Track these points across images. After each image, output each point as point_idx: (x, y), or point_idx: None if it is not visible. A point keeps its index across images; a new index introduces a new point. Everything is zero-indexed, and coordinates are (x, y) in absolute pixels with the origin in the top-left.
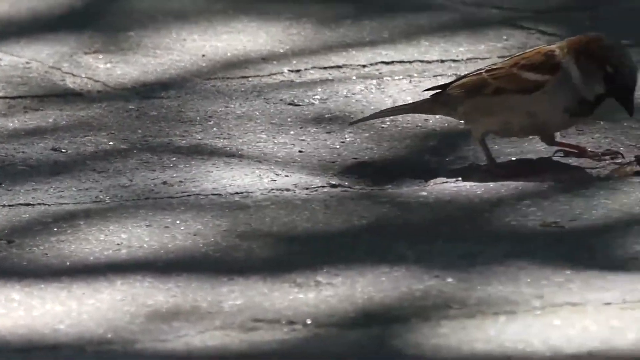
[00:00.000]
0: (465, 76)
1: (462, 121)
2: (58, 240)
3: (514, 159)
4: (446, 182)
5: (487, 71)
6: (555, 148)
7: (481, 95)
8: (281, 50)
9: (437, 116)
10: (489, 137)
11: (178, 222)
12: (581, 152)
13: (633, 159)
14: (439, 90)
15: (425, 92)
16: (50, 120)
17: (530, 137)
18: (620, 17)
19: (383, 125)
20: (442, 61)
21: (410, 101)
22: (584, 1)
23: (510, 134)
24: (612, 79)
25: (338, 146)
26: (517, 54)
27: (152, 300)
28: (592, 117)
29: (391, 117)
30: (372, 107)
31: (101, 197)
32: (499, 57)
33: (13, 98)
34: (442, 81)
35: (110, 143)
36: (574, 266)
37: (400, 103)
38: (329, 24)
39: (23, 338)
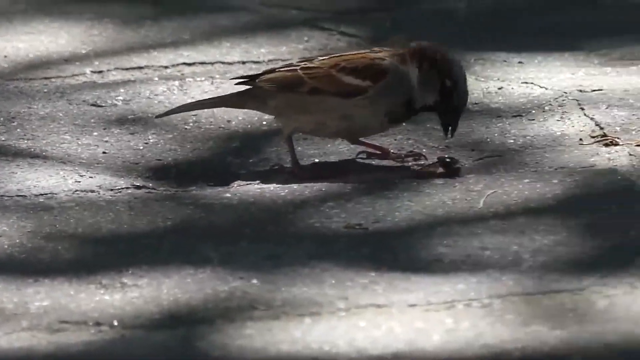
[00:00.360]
0: (275, 70)
1: (272, 116)
2: None
3: (317, 160)
4: (250, 183)
5: (302, 69)
6: (359, 149)
7: (295, 92)
8: (83, 51)
9: (245, 110)
10: (295, 138)
11: None
12: (384, 154)
13: (436, 160)
14: (248, 83)
15: (235, 84)
16: None
17: (338, 139)
18: (421, 19)
19: (186, 127)
20: (244, 62)
21: (213, 97)
22: (385, 3)
23: (323, 135)
24: (449, 94)
25: (142, 147)
26: (337, 54)
27: None
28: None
29: (194, 118)
30: None
31: None
32: (300, 58)
33: None
34: None
35: None
36: (378, 268)
37: None
38: (130, 24)
39: None
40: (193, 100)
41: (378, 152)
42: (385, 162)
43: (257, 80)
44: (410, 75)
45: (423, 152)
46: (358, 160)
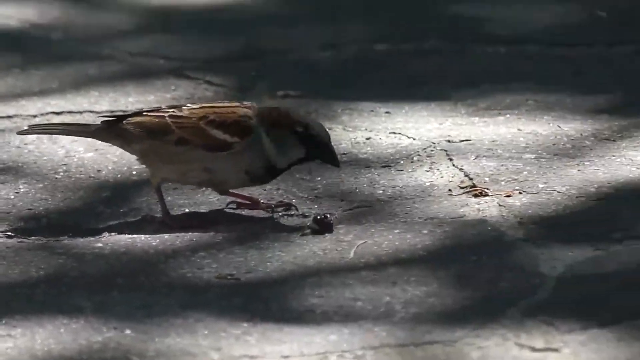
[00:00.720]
0: (143, 112)
1: (136, 157)
2: None
3: (187, 210)
4: (121, 233)
5: (170, 116)
6: (229, 199)
7: (162, 140)
8: None
9: (115, 160)
10: (166, 188)
11: None
12: (254, 204)
13: (312, 220)
14: (115, 123)
15: (102, 122)
16: None
17: (205, 189)
18: (287, 69)
19: (57, 176)
20: (112, 111)
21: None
22: (250, 52)
23: (187, 184)
24: (308, 139)
25: (12, 197)
26: (207, 105)
27: None
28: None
29: (65, 168)
30: (44, 158)
31: None
32: (168, 105)
33: None
34: None
35: None
36: (251, 318)
37: (73, 154)
38: None
39: None
40: (58, 123)
41: (248, 202)
42: (255, 213)
43: (124, 122)
44: (264, 141)
45: (293, 202)
46: (228, 210)
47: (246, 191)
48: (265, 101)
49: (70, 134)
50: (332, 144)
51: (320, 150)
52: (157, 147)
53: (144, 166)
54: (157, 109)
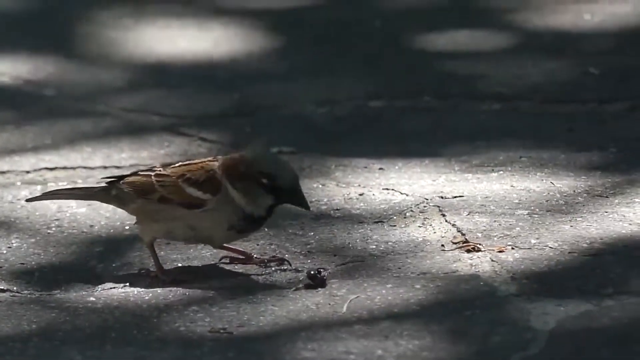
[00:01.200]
0: (138, 172)
1: (133, 217)
2: None
3: (180, 265)
4: (114, 287)
5: (156, 175)
6: (222, 254)
7: (147, 199)
8: None
9: (107, 215)
10: (158, 242)
11: None
12: (247, 259)
13: (305, 275)
14: (112, 181)
15: (105, 183)
16: None
17: (197, 245)
18: (281, 124)
19: (49, 231)
20: (105, 167)
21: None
22: (243, 108)
23: (176, 240)
24: (275, 189)
25: (5, 251)
26: (185, 162)
27: None
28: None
29: (57, 223)
30: (37, 213)
31: None
32: (161, 163)
33: None
34: None
35: None
36: None
37: (65, 209)
38: None
39: None
40: (64, 188)
41: (241, 256)
42: (248, 267)
43: (121, 182)
44: (231, 194)
45: (286, 257)
46: (220, 265)
47: (239, 245)
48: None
49: (77, 197)
50: (302, 187)
51: (288, 197)
52: (145, 206)
53: (138, 226)
54: (151, 168)
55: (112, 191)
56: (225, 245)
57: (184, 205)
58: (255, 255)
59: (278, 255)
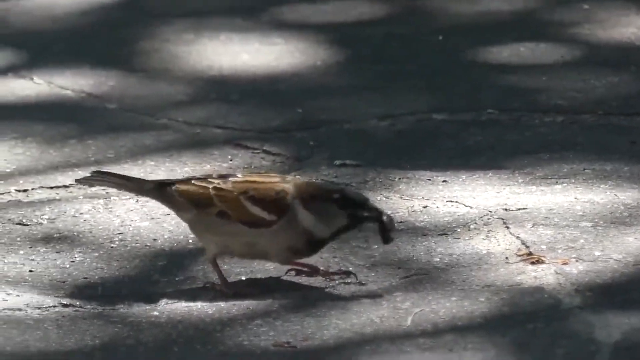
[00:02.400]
0: (192, 179)
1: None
2: None
3: (244, 278)
4: (177, 301)
5: (214, 188)
6: (288, 267)
7: (205, 212)
8: (7, 170)
9: (171, 229)
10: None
11: None
12: (313, 272)
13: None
14: (164, 186)
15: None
16: None
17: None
18: (344, 138)
19: (112, 245)
20: None
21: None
22: (306, 121)
23: (232, 255)
24: (346, 200)
25: (68, 266)
26: (249, 178)
27: None
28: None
29: (120, 237)
30: (100, 227)
31: None
32: (218, 174)
33: None
34: None
35: None
36: None
37: (128, 222)
38: (54, 143)
39: None
40: (116, 173)
41: (307, 269)
42: (311, 281)
43: (173, 187)
44: (302, 217)
45: (350, 269)
46: (284, 277)
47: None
48: (322, 171)
49: (125, 188)
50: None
51: (360, 210)
52: (201, 218)
53: (195, 235)
54: (205, 178)
55: (165, 192)
56: (293, 261)
57: (244, 223)
58: (321, 268)
59: (343, 268)
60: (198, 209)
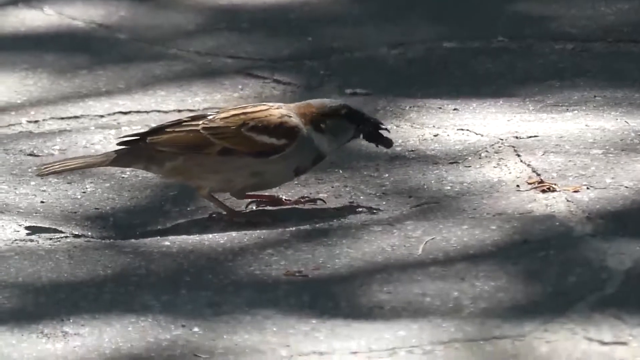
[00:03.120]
0: (165, 128)
1: (160, 175)
2: None
3: (255, 208)
4: (189, 232)
5: (205, 128)
6: (248, 201)
7: (202, 154)
8: (18, 101)
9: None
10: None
11: None
12: (275, 201)
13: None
14: (137, 143)
15: (118, 143)
16: None
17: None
18: (355, 66)
19: (123, 176)
20: (179, 111)
21: (101, 152)
22: (317, 50)
23: (228, 191)
24: (352, 114)
25: (79, 196)
26: (236, 111)
27: None
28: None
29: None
30: None
31: None
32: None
33: None
34: None
35: None
36: (319, 315)
37: None
38: (65, 74)
39: None
40: (74, 157)
41: (266, 199)
42: (322, 211)
43: (147, 141)
44: (313, 136)
45: (319, 196)
46: (299, 207)
47: (313, 189)
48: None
49: (89, 166)
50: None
51: (367, 121)
52: (197, 161)
53: (174, 180)
54: (179, 122)
55: (135, 152)
56: (249, 193)
57: (251, 154)
58: (284, 198)
59: (311, 196)
60: (190, 153)
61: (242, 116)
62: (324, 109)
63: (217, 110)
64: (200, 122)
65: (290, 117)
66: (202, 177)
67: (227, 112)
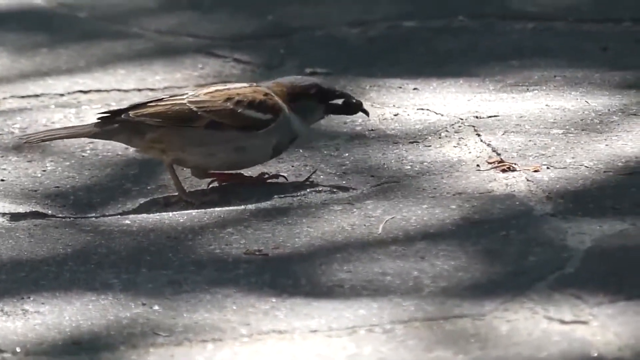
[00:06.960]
0: (147, 104)
1: (139, 148)
2: None
3: (212, 186)
4: (149, 210)
5: (191, 102)
6: (209, 180)
7: (188, 127)
8: None
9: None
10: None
11: None
12: (236, 177)
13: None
14: (117, 117)
15: (99, 119)
16: None
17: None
18: (315, 45)
19: (83, 154)
20: (139, 90)
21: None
22: (278, 29)
23: (206, 168)
24: (323, 92)
25: (40, 175)
26: (219, 87)
27: None
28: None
29: (92, 146)
30: None
31: None
32: (195, 85)
33: None
34: None
35: None
36: (279, 293)
37: None
38: (25, 52)
39: None
40: (60, 127)
41: (229, 179)
42: (282, 188)
43: (131, 114)
44: (290, 117)
45: (281, 174)
46: (260, 187)
47: (274, 168)
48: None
49: (73, 136)
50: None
51: (337, 98)
52: (181, 133)
53: (154, 155)
54: (161, 99)
55: (115, 126)
56: (211, 172)
57: (238, 127)
58: (245, 174)
59: (274, 173)
60: (176, 126)
61: (226, 91)
62: (294, 88)
63: (193, 88)
64: (185, 96)
65: (271, 93)
66: (184, 150)
67: (209, 87)
